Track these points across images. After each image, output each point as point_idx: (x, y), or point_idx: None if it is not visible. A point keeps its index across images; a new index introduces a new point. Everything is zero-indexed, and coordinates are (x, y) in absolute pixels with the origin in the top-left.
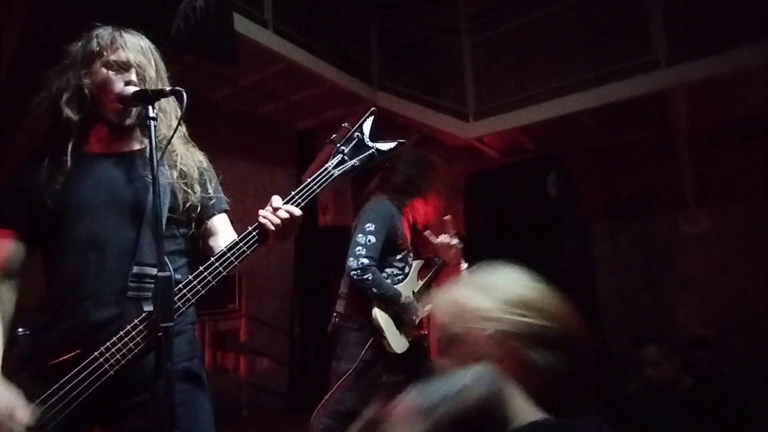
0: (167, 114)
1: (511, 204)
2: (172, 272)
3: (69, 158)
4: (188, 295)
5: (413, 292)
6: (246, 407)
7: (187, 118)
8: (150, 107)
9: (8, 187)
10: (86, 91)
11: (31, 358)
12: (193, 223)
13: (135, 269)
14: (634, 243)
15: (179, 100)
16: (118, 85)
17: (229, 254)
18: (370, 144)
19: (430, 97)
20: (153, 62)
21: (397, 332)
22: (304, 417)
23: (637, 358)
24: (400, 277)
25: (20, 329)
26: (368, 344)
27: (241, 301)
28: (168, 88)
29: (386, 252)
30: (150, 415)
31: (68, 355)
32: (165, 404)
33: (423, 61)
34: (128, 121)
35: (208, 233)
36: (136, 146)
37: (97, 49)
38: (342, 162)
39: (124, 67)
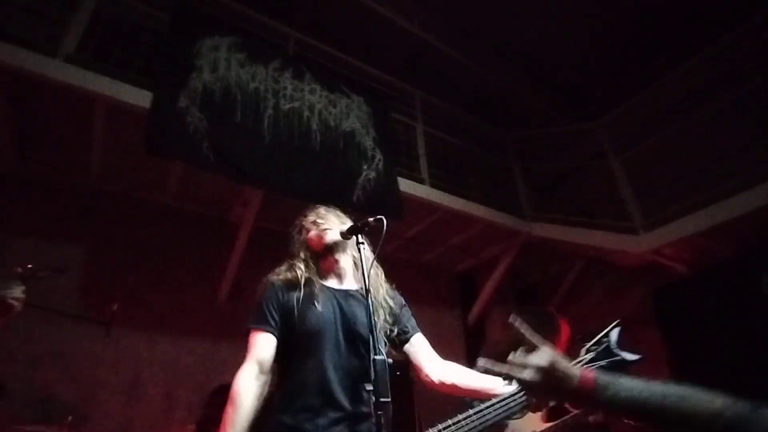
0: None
1: (715, 314)
2: (386, 357)
3: (315, 292)
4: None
5: None
6: None
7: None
8: (359, 235)
9: (268, 299)
10: (306, 250)
11: None
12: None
13: (366, 386)
14: None
15: (381, 225)
16: (317, 234)
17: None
18: (617, 351)
19: (587, 219)
20: (333, 214)
21: None
22: None
23: None
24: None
25: None
26: None
27: None
28: (371, 219)
29: None
30: None
31: None
32: None
33: (572, 187)
34: (335, 254)
35: (414, 349)
36: (355, 285)
37: (305, 224)
38: (593, 360)
39: (317, 223)
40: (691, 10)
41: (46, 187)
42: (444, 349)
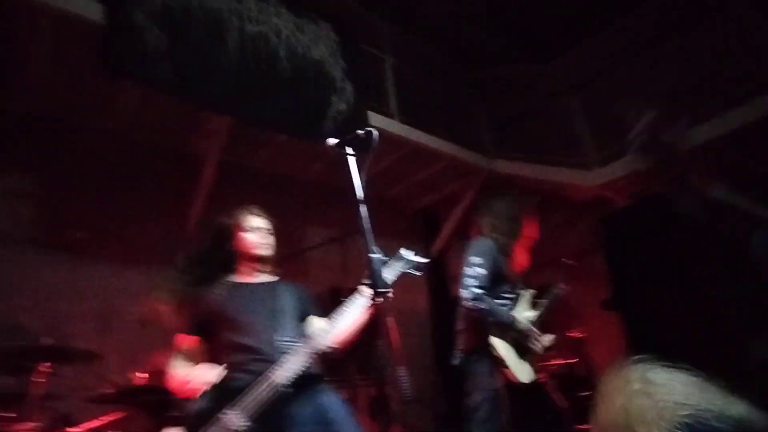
0: None
1: (656, 240)
2: (379, 256)
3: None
4: None
5: (529, 321)
6: None
7: (329, 209)
8: (349, 148)
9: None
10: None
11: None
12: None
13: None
14: None
15: (369, 138)
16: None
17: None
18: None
19: (544, 156)
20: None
21: (520, 361)
22: None
23: None
24: (509, 307)
25: None
26: (495, 372)
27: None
28: (360, 132)
29: (495, 283)
30: None
31: None
32: None
33: (532, 125)
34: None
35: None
36: (269, 279)
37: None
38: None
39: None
40: None
41: None
42: (407, 281)
